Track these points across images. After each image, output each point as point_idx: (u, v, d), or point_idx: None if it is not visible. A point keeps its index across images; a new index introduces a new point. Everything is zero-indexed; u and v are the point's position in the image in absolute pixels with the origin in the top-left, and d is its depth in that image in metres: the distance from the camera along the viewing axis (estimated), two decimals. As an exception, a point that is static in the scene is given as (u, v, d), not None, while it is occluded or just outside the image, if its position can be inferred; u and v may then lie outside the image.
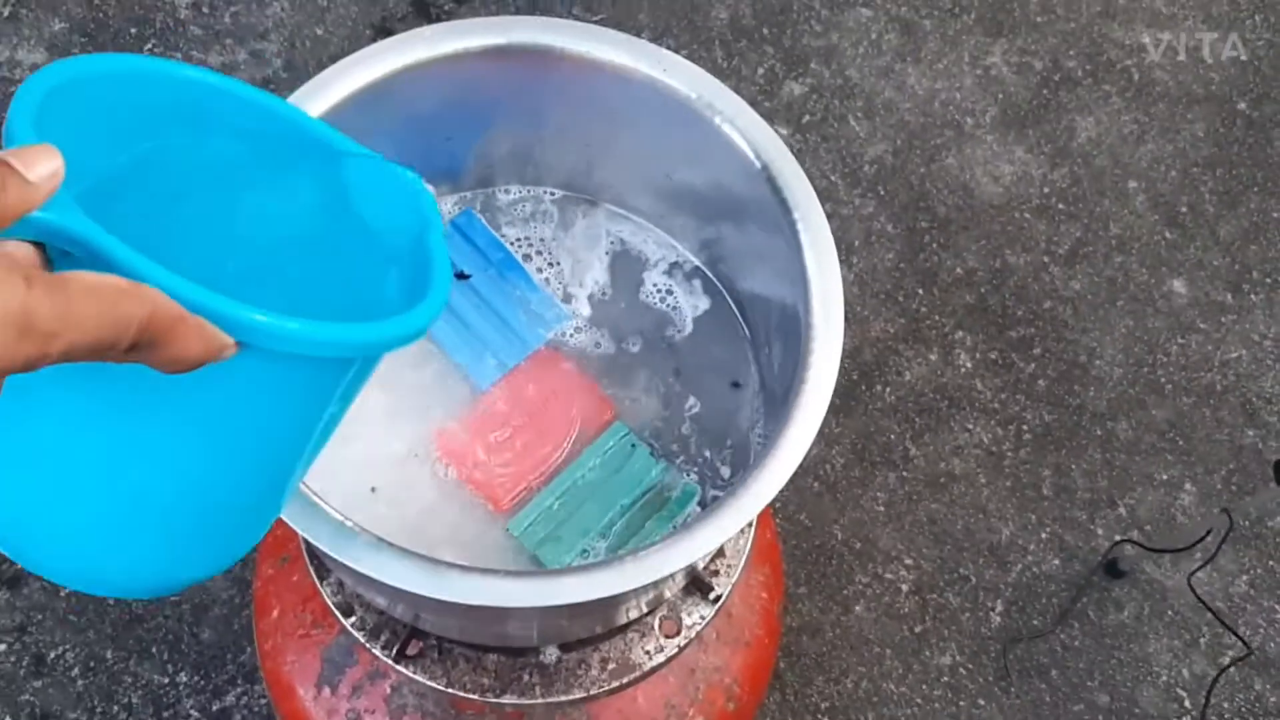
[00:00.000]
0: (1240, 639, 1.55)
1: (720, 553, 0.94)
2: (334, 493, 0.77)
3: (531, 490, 0.92)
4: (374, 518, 0.85)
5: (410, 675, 0.94)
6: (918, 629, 1.60)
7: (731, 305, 1.00)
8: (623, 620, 0.93)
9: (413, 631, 0.93)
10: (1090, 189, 1.91)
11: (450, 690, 0.94)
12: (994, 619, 1.61)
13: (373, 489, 0.90)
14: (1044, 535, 1.66)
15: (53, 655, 1.49)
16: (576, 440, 0.94)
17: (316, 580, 0.95)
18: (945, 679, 1.57)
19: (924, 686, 1.56)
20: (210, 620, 1.53)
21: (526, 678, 0.95)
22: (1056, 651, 1.60)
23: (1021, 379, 1.75)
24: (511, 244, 1.00)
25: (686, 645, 0.95)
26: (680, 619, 0.95)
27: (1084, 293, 1.83)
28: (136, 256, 0.42)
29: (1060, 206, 1.89)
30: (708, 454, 0.94)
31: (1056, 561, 1.65)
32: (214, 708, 1.50)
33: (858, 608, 1.60)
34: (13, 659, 1.49)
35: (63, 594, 1.52)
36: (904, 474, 1.68)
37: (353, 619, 0.94)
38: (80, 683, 1.49)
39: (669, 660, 0.95)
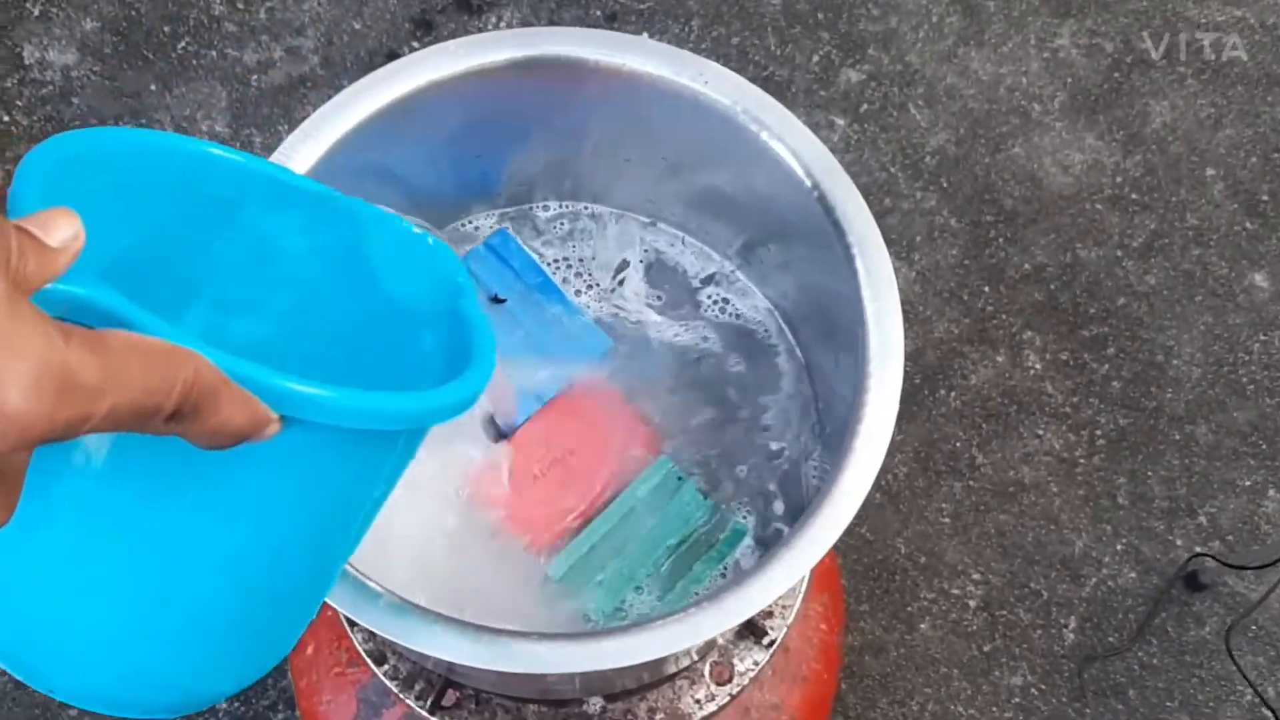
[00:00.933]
0: (1271, 710, 1.49)
1: (774, 595, 0.90)
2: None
3: (571, 530, 0.88)
4: (395, 559, 0.82)
5: (447, 727, 0.90)
6: (986, 647, 1.54)
7: (780, 323, 0.95)
8: (671, 670, 0.89)
9: (448, 681, 0.89)
10: (1165, 178, 1.84)
11: (488, 744, 0.90)
12: (1067, 636, 1.56)
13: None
14: (1119, 547, 1.60)
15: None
16: (619, 475, 0.90)
17: (347, 626, 0.91)
18: (1016, 700, 1.52)
19: (994, 708, 1.51)
20: (250, 643, 1.50)
21: (569, 730, 0.91)
22: (1134, 670, 1.55)
23: (1094, 381, 1.69)
24: (549, 264, 0.95)
25: (740, 693, 0.91)
26: (733, 665, 0.91)
27: (1160, 288, 1.76)
28: (171, 329, 0.39)
29: (1134, 197, 1.82)
30: (766, 487, 0.90)
31: (1133, 574, 1.59)
32: (254, 734, 1.46)
33: (923, 625, 1.55)
34: (48, 685, 1.46)
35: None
36: (970, 483, 1.62)
37: (385, 667, 0.90)
38: (117, 709, 1.46)
39: (721, 709, 0.91)
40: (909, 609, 1.56)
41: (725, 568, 0.87)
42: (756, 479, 0.90)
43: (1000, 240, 1.78)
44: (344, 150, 0.81)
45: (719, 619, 0.69)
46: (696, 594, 0.85)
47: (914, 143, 1.84)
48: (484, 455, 0.89)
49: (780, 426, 0.92)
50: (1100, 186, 1.83)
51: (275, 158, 0.77)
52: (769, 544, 0.87)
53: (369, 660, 0.90)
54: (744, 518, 0.89)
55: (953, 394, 1.68)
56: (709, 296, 0.96)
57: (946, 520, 1.61)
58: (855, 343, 0.78)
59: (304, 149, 0.79)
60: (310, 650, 1.11)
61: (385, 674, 0.90)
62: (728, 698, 0.91)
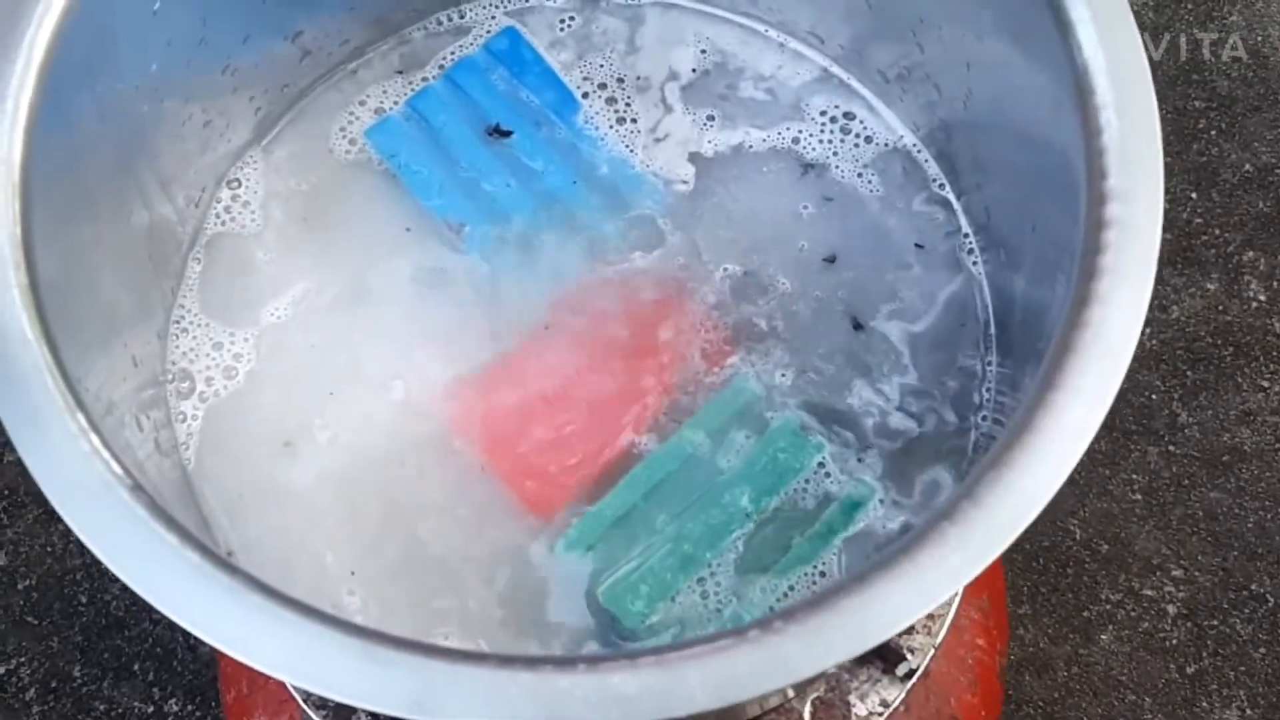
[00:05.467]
0: None
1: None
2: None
3: (595, 485, 0.69)
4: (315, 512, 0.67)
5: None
6: (1191, 669, 1.35)
7: (924, 160, 0.74)
8: (751, 715, 0.68)
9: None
10: None
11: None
12: (1301, 656, 1.37)
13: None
14: (1372, 537, 1.41)
15: (2, 670, 1.33)
16: (674, 401, 0.71)
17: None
18: (1230, 741, 1.34)
19: (1199, 751, 1.33)
20: (215, 632, 1.30)
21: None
22: (1393, 705, 1.36)
23: (1338, 317, 1.50)
24: (570, 81, 0.77)
25: (858, 751, 0.66)
26: (848, 706, 0.67)
27: None
28: None
29: (1390, 78, 1.64)
30: (904, 424, 0.69)
31: (1391, 575, 1.40)
32: (212, 748, 1.32)
33: (1104, 637, 1.36)
34: (-49, 676, 1.34)
35: (20, 587, 1.32)
36: (1171, 449, 1.43)
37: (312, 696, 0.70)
38: (36, 709, 1.33)
39: (827, 774, 0.66)
40: (1085, 614, 1.37)
41: (839, 549, 0.65)
42: (887, 412, 0.70)
43: (1213, 133, 1.59)
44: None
45: (826, 646, 0.45)
46: (793, 589, 0.64)
47: (1098, 6, 1.61)
48: (474, 369, 0.71)
49: (929, 328, 0.72)
50: (1345, 65, 1.65)
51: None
52: (907, 512, 0.66)
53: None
54: (868, 472, 0.67)
55: (1148, 331, 1.48)
56: (821, 111, 0.75)
57: (1138, 497, 1.42)
58: (1069, 196, 0.55)
59: None
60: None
61: (313, 704, 0.69)
62: (839, 757, 0.66)
